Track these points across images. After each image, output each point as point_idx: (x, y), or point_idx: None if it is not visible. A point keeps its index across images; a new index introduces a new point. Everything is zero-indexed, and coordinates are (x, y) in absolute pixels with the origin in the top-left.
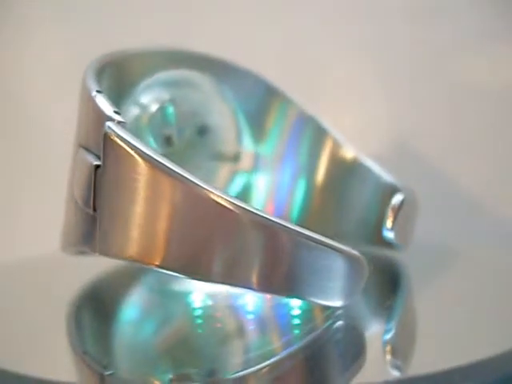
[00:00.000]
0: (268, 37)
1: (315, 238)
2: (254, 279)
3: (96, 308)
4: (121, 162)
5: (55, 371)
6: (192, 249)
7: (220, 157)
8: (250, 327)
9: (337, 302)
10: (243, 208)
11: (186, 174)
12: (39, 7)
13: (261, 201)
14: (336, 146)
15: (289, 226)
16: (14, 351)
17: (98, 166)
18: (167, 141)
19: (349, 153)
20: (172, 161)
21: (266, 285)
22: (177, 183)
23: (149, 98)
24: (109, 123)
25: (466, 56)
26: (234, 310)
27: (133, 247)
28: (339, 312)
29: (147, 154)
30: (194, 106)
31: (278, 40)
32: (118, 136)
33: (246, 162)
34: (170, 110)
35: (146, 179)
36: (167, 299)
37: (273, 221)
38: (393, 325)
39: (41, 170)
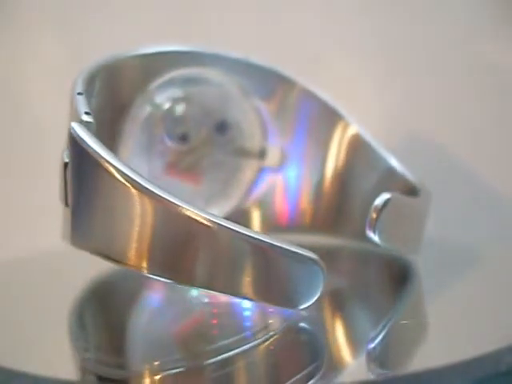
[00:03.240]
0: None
1: (273, 244)
2: (228, 287)
3: (98, 305)
4: (81, 161)
5: (55, 369)
6: (172, 256)
7: (244, 153)
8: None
9: (295, 306)
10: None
11: (139, 179)
12: (39, 7)
13: (291, 196)
14: (356, 137)
15: (249, 233)
16: (14, 349)
17: (67, 164)
18: (183, 138)
19: (367, 143)
20: (188, 159)
21: (235, 290)
22: (128, 187)
23: (162, 97)
24: (73, 123)
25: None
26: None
27: (97, 244)
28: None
29: (102, 157)
30: (210, 102)
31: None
32: (78, 136)
33: (272, 158)
34: (184, 107)
35: (103, 179)
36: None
37: (232, 229)
38: (381, 329)
39: (40, 168)
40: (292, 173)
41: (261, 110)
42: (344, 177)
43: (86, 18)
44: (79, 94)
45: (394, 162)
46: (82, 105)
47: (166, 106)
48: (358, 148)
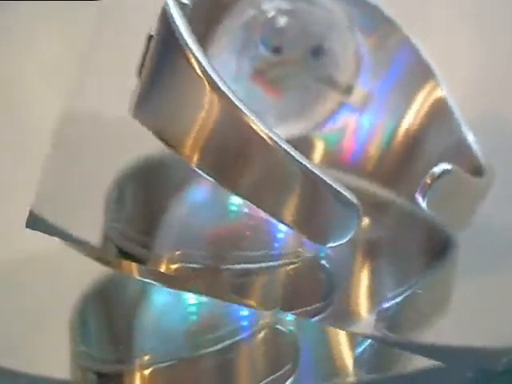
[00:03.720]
0: None
1: (323, 178)
2: (268, 205)
3: (99, 305)
4: (165, 40)
5: (55, 369)
6: (224, 158)
7: (331, 83)
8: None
9: (326, 243)
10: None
11: (215, 76)
12: (39, 7)
13: (361, 138)
14: (441, 101)
15: (303, 161)
16: (14, 349)
17: (151, 37)
18: (276, 50)
19: (450, 110)
20: (277, 71)
21: (274, 210)
22: (202, 79)
23: (269, 4)
24: (169, 0)
25: None
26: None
27: (156, 123)
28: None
29: (187, 43)
30: (313, 23)
31: None
32: (169, 13)
33: (357, 96)
34: (287, 20)
35: (180, 64)
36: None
37: (288, 152)
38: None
39: (40, 168)
40: (370, 116)
41: (361, 46)
42: (417, 136)
43: (86, 17)
44: None
45: (469, 137)
46: None
47: (270, 14)
48: (439, 112)
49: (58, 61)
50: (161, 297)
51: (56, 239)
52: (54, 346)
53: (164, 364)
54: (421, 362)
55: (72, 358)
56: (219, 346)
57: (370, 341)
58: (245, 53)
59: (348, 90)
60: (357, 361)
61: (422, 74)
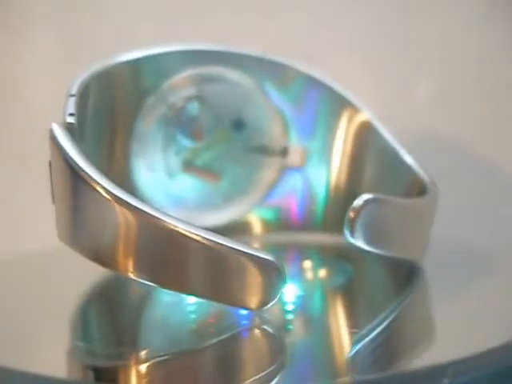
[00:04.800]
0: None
1: (228, 245)
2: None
3: (100, 304)
4: (57, 163)
5: (55, 369)
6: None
7: (264, 151)
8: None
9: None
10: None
11: (107, 185)
12: (39, 6)
13: (314, 195)
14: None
15: (203, 234)
16: (14, 349)
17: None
18: (197, 135)
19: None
20: (205, 156)
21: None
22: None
23: (175, 96)
24: (54, 124)
25: None
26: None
27: (82, 247)
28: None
29: (73, 160)
30: (225, 100)
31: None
32: (54, 137)
33: (295, 157)
34: (198, 106)
35: (69, 183)
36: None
37: (181, 229)
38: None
39: (40, 167)
40: (311, 169)
41: (281, 107)
42: (354, 172)
43: (85, 17)
44: (72, 95)
45: (407, 158)
46: (69, 106)
47: (180, 104)
48: (368, 135)
49: (58, 61)
50: (162, 295)
51: (56, 239)
52: (54, 346)
53: (159, 359)
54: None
55: (72, 355)
56: (206, 344)
57: (362, 344)
58: (169, 148)
59: (284, 152)
60: (349, 363)
61: (338, 103)
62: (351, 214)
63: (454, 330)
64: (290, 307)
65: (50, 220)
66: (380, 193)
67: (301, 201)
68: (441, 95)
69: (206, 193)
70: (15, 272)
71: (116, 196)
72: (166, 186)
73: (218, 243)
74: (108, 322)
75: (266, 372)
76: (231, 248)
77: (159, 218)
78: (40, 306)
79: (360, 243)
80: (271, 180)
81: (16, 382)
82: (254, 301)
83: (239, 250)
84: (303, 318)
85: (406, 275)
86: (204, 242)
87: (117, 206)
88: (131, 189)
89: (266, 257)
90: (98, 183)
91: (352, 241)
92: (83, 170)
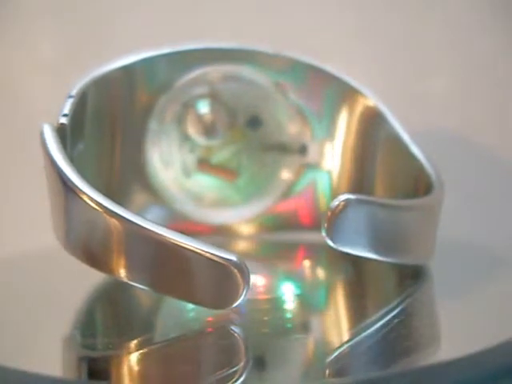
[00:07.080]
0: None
1: (191, 245)
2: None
3: (101, 304)
4: (46, 163)
5: (55, 369)
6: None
7: (282, 149)
8: None
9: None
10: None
11: (91, 192)
12: (38, 5)
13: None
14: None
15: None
16: (14, 349)
17: None
18: (211, 134)
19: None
20: (221, 154)
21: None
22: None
23: (187, 95)
24: (45, 124)
25: None
26: None
27: (75, 250)
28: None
29: (60, 169)
30: (240, 98)
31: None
32: (43, 142)
33: (314, 154)
34: (211, 104)
35: (58, 189)
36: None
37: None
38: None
39: (39, 167)
40: (327, 169)
41: (297, 104)
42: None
43: (85, 17)
44: (70, 96)
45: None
46: (65, 107)
47: (191, 103)
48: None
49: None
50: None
51: (56, 239)
52: (54, 346)
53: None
54: None
55: (73, 355)
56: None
57: (362, 343)
58: (183, 147)
59: (303, 150)
60: (349, 363)
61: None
62: (328, 213)
63: (459, 329)
64: (289, 306)
65: (50, 220)
66: (390, 192)
67: (313, 200)
68: (445, 94)
69: (224, 191)
70: (15, 272)
71: (99, 203)
72: (183, 183)
73: (182, 242)
74: (110, 321)
75: (227, 372)
76: (195, 247)
77: (139, 225)
78: (40, 306)
79: (341, 247)
80: (290, 178)
81: (16, 382)
82: (218, 301)
83: (202, 250)
84: (303, 317)
85: (409, 275)
86: (170, 241)
87: (102, 213)
88: (147, 186)
89: (229, 257)
90: (84, 192)
91: (331, 243)
92: (70, 180)
